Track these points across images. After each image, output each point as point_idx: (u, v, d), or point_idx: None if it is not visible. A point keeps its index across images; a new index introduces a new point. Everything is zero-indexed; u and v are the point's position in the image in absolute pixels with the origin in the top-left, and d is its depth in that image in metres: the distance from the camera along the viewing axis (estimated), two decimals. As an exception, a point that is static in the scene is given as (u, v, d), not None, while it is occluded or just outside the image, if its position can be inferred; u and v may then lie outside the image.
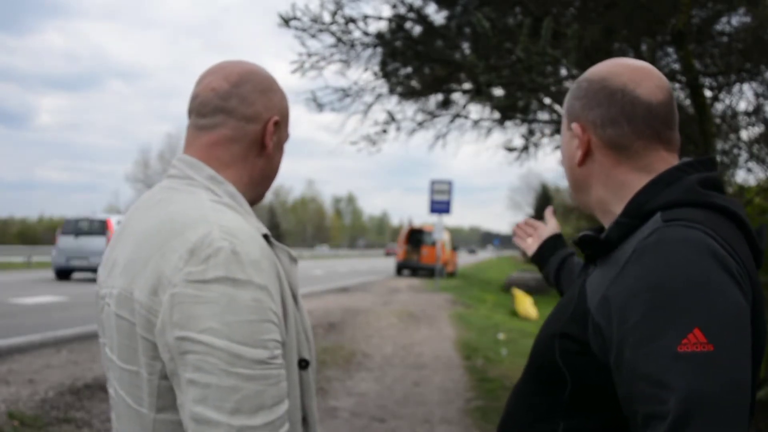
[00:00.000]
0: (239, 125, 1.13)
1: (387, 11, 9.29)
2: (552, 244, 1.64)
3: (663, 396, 0.80)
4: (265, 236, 1.07)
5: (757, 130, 4.58)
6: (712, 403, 0.78)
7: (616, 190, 1.05)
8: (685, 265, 0.86)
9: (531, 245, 1.69)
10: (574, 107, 1.08)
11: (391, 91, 5.80)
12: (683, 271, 0.85)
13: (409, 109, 6.33)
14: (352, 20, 4.94)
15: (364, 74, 6.38)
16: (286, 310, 1.04)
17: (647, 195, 0.99)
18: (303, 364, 1.08)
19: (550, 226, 1.69)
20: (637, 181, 1.02)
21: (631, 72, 1.04)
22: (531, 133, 6.36)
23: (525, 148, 6.41)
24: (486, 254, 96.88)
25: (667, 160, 1.03)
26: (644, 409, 0.82)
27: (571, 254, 1.61)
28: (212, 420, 0.90)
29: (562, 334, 0.98)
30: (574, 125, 1.07)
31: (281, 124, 1.18)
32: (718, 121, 4.39)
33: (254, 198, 1.19)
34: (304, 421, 1.09)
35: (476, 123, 6.35)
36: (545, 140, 6.45)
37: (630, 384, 0.85)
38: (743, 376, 0.82)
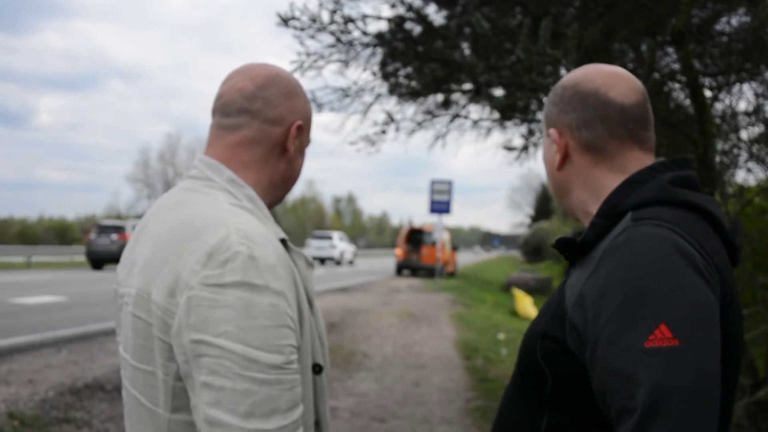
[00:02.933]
0: (263, 127, 1.13)
1: (386, 11, 9.30)
2: None
3: (632, 390, 0.83)
4: (283, 241, 1.07)
5: (757, 130, 4.58)
6: (678, 396, 0.80)
7: (595, 192, 1.08)
8: (652, 263, 0.88)
9: None
10: (551, 113, 1.12)
11: (391, 92, 5.80)
12: (650, 269, 0.88)
13: (408, 109, 6.34)
14: (351, 20, 4.94)
15: (363, 74, 6.39)
16: (302, 315, 1.04)
17: (620, 195, 1.02)
18: (317, 368, 1.08)
19: None
20: (613, 182, 1.05)
21: (603, 76, 1.07)
22: (531, 133, 6.35)
23: (525, 148, 6.41)
24: (486, 254, 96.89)
25: (641, 160, 1.06)
26: (616, 404, 0.85)
27: None
28: (225, 423, 0.90)
29: (544, 334, 1.02)
30: (552, 130, 1.11)
31: (304, 129, 1.18)
32: (718, 121, 4.38)
33: (273, 201, 1.19)
34: (317, 425, 1.10)
35: (476, 123, 6.35)
36: (545, 140, 6.44)
37: (603, 380, 0.88)
38: (710, 369, 0.84)
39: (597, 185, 1.07)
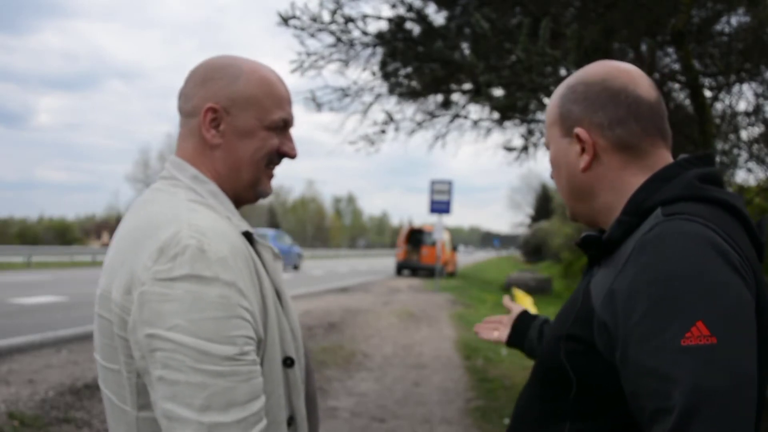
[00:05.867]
0: (185, 122, 1.15)
1: (387, 11, 9.29)
2: (523, 319, 1.54)
3: (669, 390, 0.80)
4: (248, 234, 1.08)
5: (757, 130, 4.58)
6: (717, 396, 0.78)
7: (623, 193, 1.03)
8: (687, 258, 0.85)
9: (501, 334, 1.57)
10: (573, 112, 1.07)
11: (391, 92, 5.80)
12: (685, 264, 0.85)
13: (408, 109, 6.35)
14: (352, 20, 4.94)
15: (363, 74, 6.39)
16: (266, 307, 1.04)
17: (646, 192, 0.99)
18: (288, 362, 1.08)
19: (515, 311, 1.58)
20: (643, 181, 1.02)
21: (626, 73, 1.06)
22: (530, 133, 6.36)
23: (524, 148, 6.41)
24: (486, 254, 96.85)
25: (665, 158, 1.04)
26: (651, 405, 0.82)
27: (546, 321, 1.52)
28: (182, 417, 0.90)
29: (568, 335, 0.98)
30: (579, 130, 1.05)
31: (227, 111, 1.11)
32: (718, 121, 4.39)
33: (237, 192, 1.15)
34: (292, 420, 1.09)
35: (476, 123, 6.35)
36: (545, 140, 6.45)
37: (636, 380, 0.85)
38: (748, 368, 0.81)
39: (626, 186, 1.03)
